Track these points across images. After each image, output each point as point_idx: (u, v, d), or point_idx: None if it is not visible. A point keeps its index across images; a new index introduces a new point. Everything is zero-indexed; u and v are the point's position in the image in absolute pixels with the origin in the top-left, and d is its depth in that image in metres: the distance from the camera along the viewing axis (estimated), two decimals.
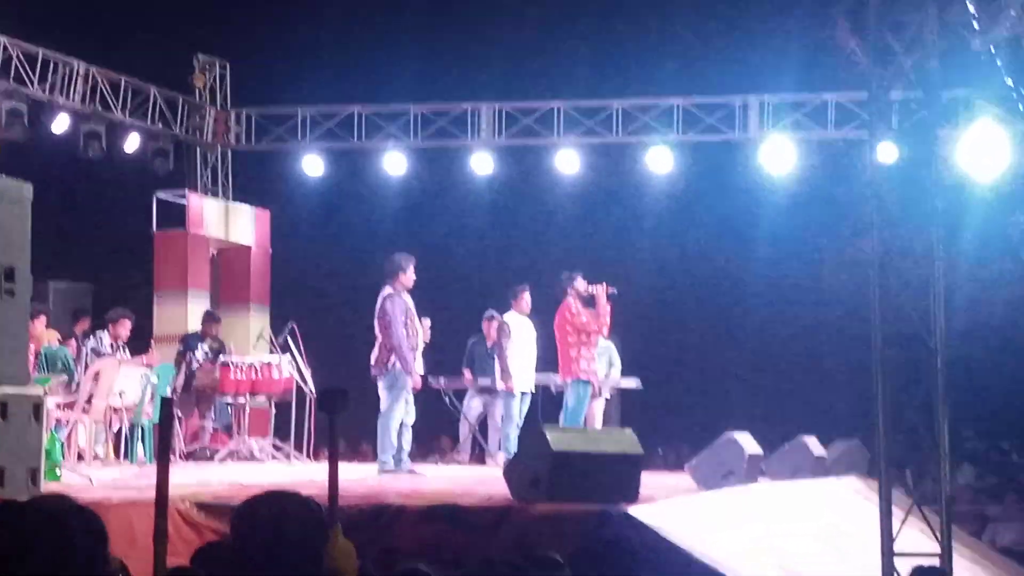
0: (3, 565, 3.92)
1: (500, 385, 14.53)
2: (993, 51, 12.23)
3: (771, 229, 18.24)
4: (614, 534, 8.68)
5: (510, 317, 14.58)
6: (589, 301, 14.06)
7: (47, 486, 10.06)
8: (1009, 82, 12.81)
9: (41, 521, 3.97)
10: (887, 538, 9.35)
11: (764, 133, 17.85)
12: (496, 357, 14.52)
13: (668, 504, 9.80)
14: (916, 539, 9.76)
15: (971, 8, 11.47)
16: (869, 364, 9.77)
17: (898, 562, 9.26)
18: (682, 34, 18.13)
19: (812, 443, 13.06)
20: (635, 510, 8.98)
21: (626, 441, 9.79)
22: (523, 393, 14.43)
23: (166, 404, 4.92)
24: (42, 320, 14.25)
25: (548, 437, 9.43)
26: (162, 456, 4.99)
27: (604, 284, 14.03)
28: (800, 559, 9.49)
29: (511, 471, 9.73)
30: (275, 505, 4.03)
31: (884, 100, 9.95)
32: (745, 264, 18.76)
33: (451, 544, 8.80)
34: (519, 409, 14.40)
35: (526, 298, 14.59)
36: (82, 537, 3.97)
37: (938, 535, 9.45)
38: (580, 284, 14.08)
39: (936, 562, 9.15)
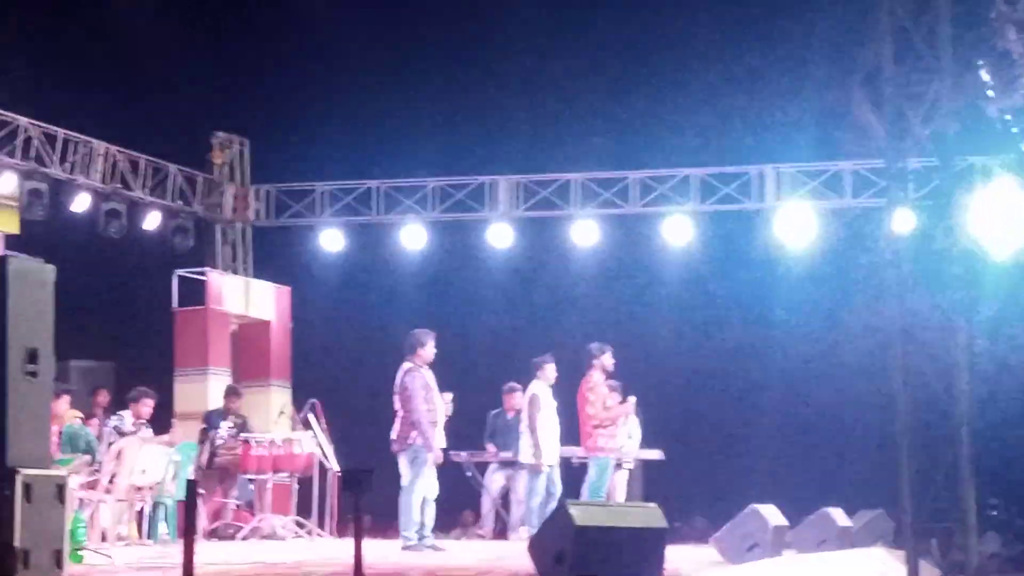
0: None
1: (528, 460, 14.36)
2: (1009, 118, 12.26)
3: (790, 298, 18.18)
4: None
5: (538, 387, 14.50)
6: (611, 376, 14.05)
7: (70, 568, 10.04)
8: None
9: None
10: None
11: (781, 202, 17.86)
12: (529, 431, 14.36)
13: None
14: None
15: (986, 76, 11.51)
16: (892, 433, 9.73)
17: None
18: (698, 106, 18.17)
19: (837, 514, 12.99)
20: None
21: (651, 515, 9.73)
22: (551, 466, 14.33)
23: (191, 485, 4.93)
24: (65, 400, 14.28)
25: (572, 512, 9.37)
26: (188, 538, 5.00)
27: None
28: None
29: (536, 546, 9.67)
30: None
31: (901, 169, 9.97)
32: (765, 334, 18.69)
33: None
34: (551, 480, 14.26)
35: (551, 369, 14.54)
36: None
37: None
38: (608, 360, 14.06)
39: None
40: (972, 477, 9.34)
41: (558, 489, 14.22)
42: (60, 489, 9.85)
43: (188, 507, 4.74)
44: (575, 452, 14.67)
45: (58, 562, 9.66)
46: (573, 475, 14.58)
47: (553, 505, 13.84)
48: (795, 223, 17.63)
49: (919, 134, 9.65)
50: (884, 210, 10.26)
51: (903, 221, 10.69)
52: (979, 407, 10.14)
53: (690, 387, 18.98)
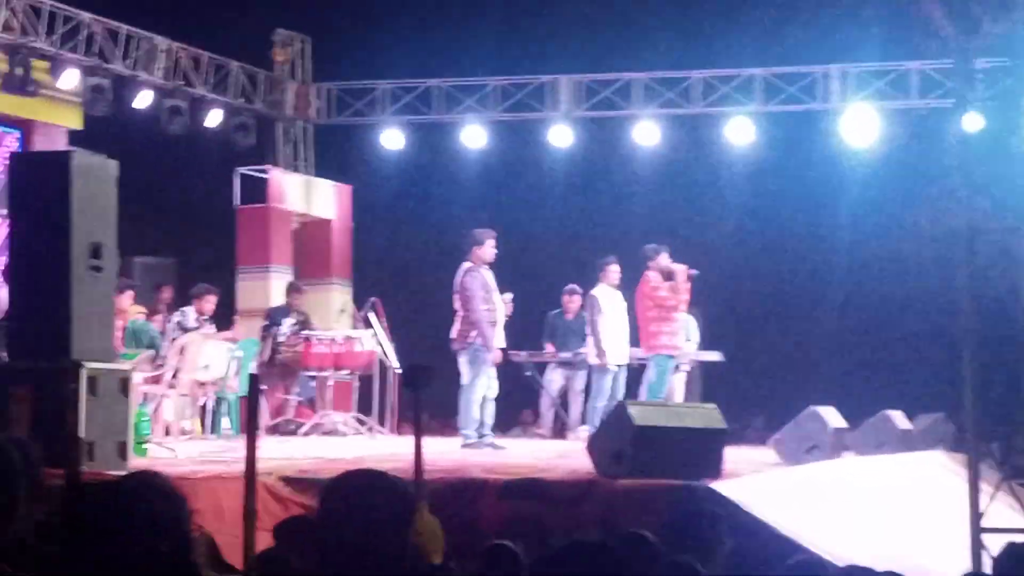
0: (93, 544, 3.96)
1: (594, 360, 14.35)
2: None
3: (854, 201, 18.03)
4: (699, 509, 8.65)
5: (600, 291, 14.45)
6: (668, 276, 13.98)
7: (134, 460, 10.18)
8: None
9: (129, 502, 4.02)
10: (975, 514, 9.23)
11: (846, 103, 17.67)
12: (590, 333, 14.34)
13: (753, 479, 9.75)
14: (1006, 515, 9.63)
15: None
16: (953, 337, 9.65)
17: (987, 538, 9.13)
18: (761, 3, 17.91)
19: (897, 417, 12.94)
20: (719, 485, 8.94)
21: (710, 416, 9.74)
22: (619, 366, 14.30)
23: (253, 380, 4.95)
24: (129, 295, 14.40)
25: (631, 412, 9.39)
26: (250, 433, 5.02)
27: (686, 266, 13.97)
28: (887, 534, 9.39)
29: (594, 445, 9.71)
30: (363, 482, 4.03)
31: (970, 69, 9.79)
32: (828, 237, 18.56)
33: (534, 519, 8.80)
34: (617, 383, 14.25)
35: (614, 270, 14.46)
36: (168, 518, 4.01)
37: None
38: (664, 260, 13.99)
39: None
40: None
41: (621, 393, 14.20)
42: (124, 383, 10.01)
43: (251, 402, 4.75)
44: (635, 353, 14.64)
45: (122, 454, 9.84)
46: (633, 377, 14.57)
47: None
48: (860, 124, 17.46)
49: (989, 32, 9.44)
50: (951, 111, 10.08)
51: (972, 122, 10.52)
52: None
53: (751, 289, 18.92)
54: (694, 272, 13.99)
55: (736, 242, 19.00)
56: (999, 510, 9.51)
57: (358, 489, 4.01)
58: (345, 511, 3.97)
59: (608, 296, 14.37)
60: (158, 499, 4.04)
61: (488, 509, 9.06)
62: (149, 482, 4.16)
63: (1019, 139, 9.82)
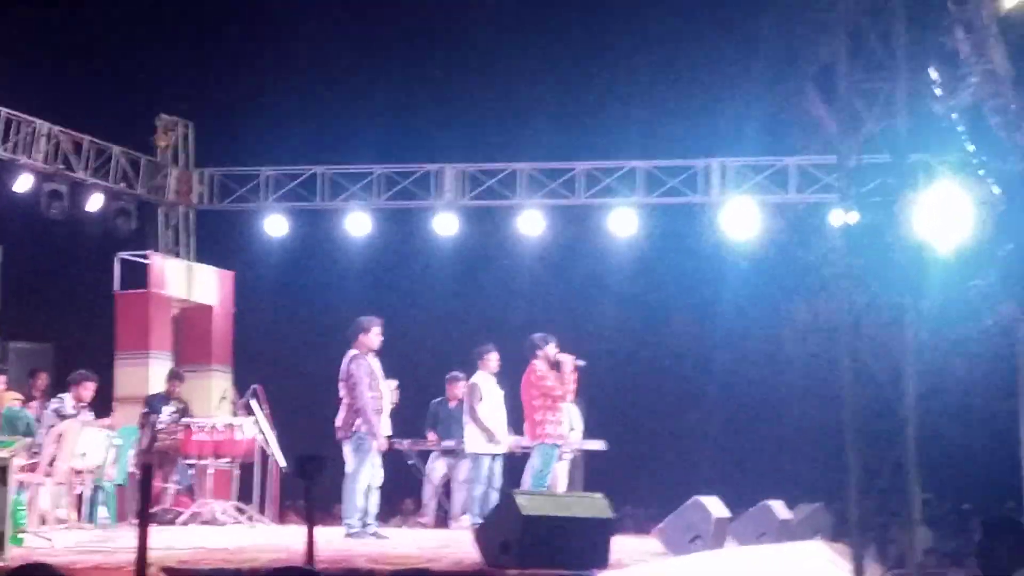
0: None
1: (473, 448, 14.32)
2: (955, 117, 12.35)
3: (734, 291, 18.27)
4: None
5: (479, 378, 14.49)
6: (555, 366, 14.04)
7: (11, 551, 9.92)
8: (970, 148, 12.94)
9: None
10: None
11: (726, 196, 17.93)
12: (472, 421, 14.34)
13: (638, 570, 9.75)
14: None
15: (934, 75, 11.59)
16: (833, 427, 9.78)
17: None
18: (644, 97, 18.20)
19: (777, 507, 13.04)
20: None
21: (597, 505, 9.74)
22: (494, 456, 14.30)
23: (146, 470, 4.86)
24: (1, 381, 14.12)
25: (518, 501, 9.36)
26: (143, 521, 4.94)
27: (574, 356, 14.04)
28: None
29: (481, 535, 9.66)
30: None
31: (852, 164, 10.01)
32: (709, 327, 18.77)
33: None
34: (492, 471, 14.24)
35: (494, 358, 14.53)
36: None
37: None
38: (551, 349, 14.04)
39: None
40: (917, 472, 9.39)
41: (498, 481, 14.20)
42: (2, 471, 9.76)
43: (143, 491, 4.67)
44: (519, 441, 14.63)
45: (0, 544, 9.57)
46: (515, 465, 14.54)
47: (494, 496, 13.84)
48: (740, 217, 17.71)
49: (871, 130, 9.69)
50: (831, 205, 10.31)
51: (850, 216, 10.74)
52: (920, 401, 10.20)
53: (634, 378, 19.03)
54: (581, 363, 14.06)
55: (619, 332, 19.12)
56: None
57: None
58: None
59: (487, 383, 14.42)
60: None
61: None
62: (38, 574, 4.07)
63: (896, 233, 10.02)
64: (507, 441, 14.43)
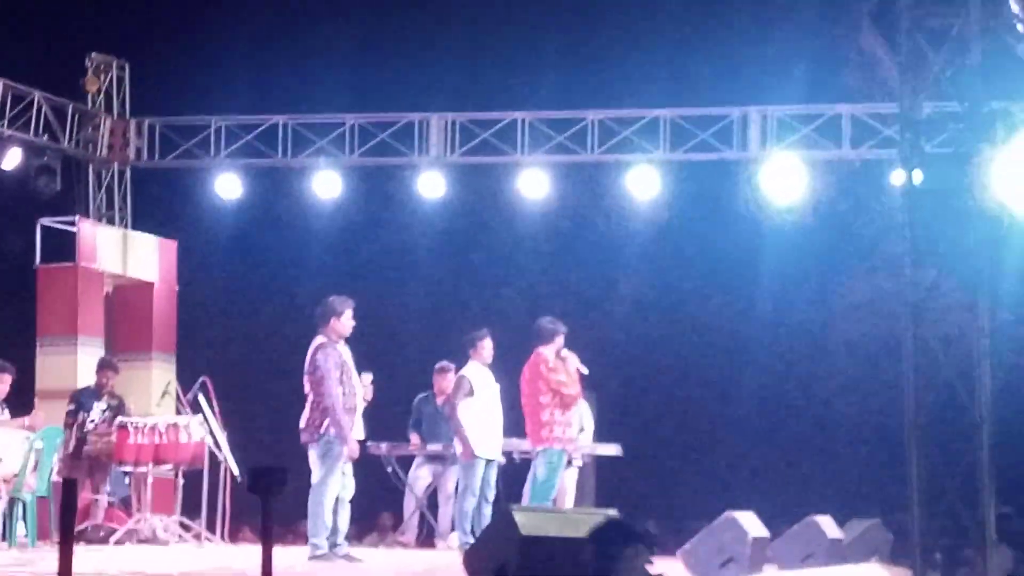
0: None
1: (458, 452, 14.35)
2: None
3: (775, 266, 18.29)
4: None
5: (470, 370, 14.48)
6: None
7: None
8: None
9: None
10: None
11: (767, 151, 17.91)
12: (451, 422, 14.36)
13: None
14: None
15: (1015, 7, 11.55)
16: (891, 430, 9.79)
17: None
18: (670, 36, 18.16)
19: (826, 523, 13.09)
20: None
21: None
22: (488, 461, 14.31)
23: (69, 485, 4.85)
24: None
25: (517, 519, 9.36)
26: (65, 541, 4.93)
27: (578, 359, 14.05)
28: None
29: (472, 559, 9.67)
30: None
31: (917, 115, 10.00)
32: (744, 307, 18.78)
33: None
34: (486, 480, 14.25)
35: (487, 346, 14.50)
36: None
37: None
38: (560, 341, 14.03)
39: None
40: (993, 482, 9.40)
41: (491, 493, 14.21)
42: None
43: (67, 504, 4.65)
44: (518, 446, 14.64)
45: None
46: (515, 473, 14.57)
47: (487, 511, 13.86)
48: (783, 177, 17.69)
49: (939, 74, 9.67)
50: (891, 163, 10.29)
51: (914, 176, 10.73)
52: (996, 398, 10.21)
53: (654, 371, 19.06)
54: (584, 370, 14.06)
55: (637, 313, 19.14)
56: None
57: None
58: None
59: (479, 376, 14.39)
60: None
61: None
62: None
63: (969, 196, 10.01)
64: (500, 444, 14.40)
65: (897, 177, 13.60)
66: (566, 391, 13.93)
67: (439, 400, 15.84)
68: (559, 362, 13.99)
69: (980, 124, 9.99)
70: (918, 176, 10.56)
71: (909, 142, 10.01)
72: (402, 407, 15.87)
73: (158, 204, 19.46)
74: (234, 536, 15.45)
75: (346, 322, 13.03)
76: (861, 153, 17.59)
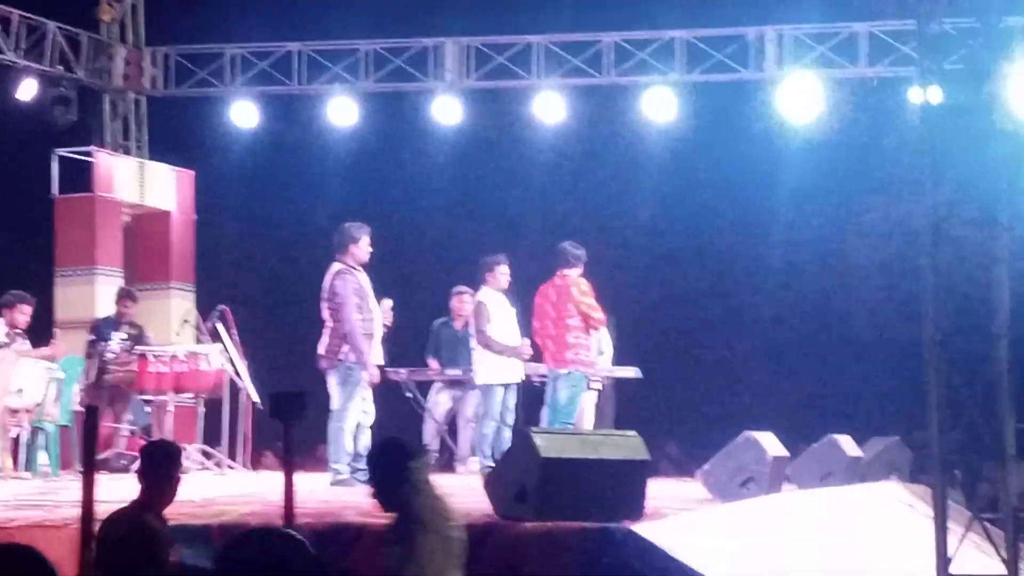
0: None
1: (485, 378, 14.32)
2: None
3: (792, 187, 18.24)
4: (617, 556, 8.67)
5: (486, 295, 14.46)
6: None
7: None
8: None
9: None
10: (943, 559, 9.33)
11: (783, 71, 17.84)
12: (483, 346, 14.30)
13: (679, 520, 9.78)
14: (973, 557, 9.75)
15: None
16: (910, 349, 9.77)
17: None
18: None
19: (845, 442, 13.08)
20: (641, 527, 8.94)
21: (630, 445, 9.73)
22: (507, 385, 14.31)
23: (91, 412, 4.85)
24: None
25: (536, 441, 9.37)
26: (88, 470, 4.93)
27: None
28: None
29: (492, 482, 9.67)
30: (265, 550, 3.94)
31: (934, 30, 9.91)
32: (762, 230, 18.75)
33: None
34: (505, 405, 14.27)
35: (503, 271, 14.47)
36: None
37: (1002, 553, 9.44)
38: (581, 267, 14.00)
39: None
40: (1012, 399, 9.38)
41: (511, 417, 14.22)
42: None
43: (89, 433, 4.66)
44: (536, 369, 14.64)
45: None
46: (532, 397, 14.58)
47: (507, 434, 13.88)
48: (800, 96, 17.62)
49: None
50: (910, 80, 10.21)
51: (931, 93, 10.65)
52: (1015, 316, 10.18)
53: (672, 293, 19.04)
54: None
55: (653, 236, 19.12)
56: (966, 551, 9.63)
57: (258, 558, 3.92)
58: None
59: (496, 301, 14.37)
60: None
61: (364, 561, 8.99)
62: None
63: (987, 114, 9.94)
64: (519, 368, 14.38)
65: (915, 95, 13.53)
66: (596, 315, 13.92)
67: (456, 325, 15.83)
68: (589, 287, 13.98)
69: (998, 40, 9.91)
70: (935, 94, 10.49)
71: (926, 59, 9.94)
72: (420, 333, 15.88)
73: (174, 133, 19.46)
74: (255, 463, 15.50)
75: (363, 248, 13.04)
76: (878, 71, 17.50)
